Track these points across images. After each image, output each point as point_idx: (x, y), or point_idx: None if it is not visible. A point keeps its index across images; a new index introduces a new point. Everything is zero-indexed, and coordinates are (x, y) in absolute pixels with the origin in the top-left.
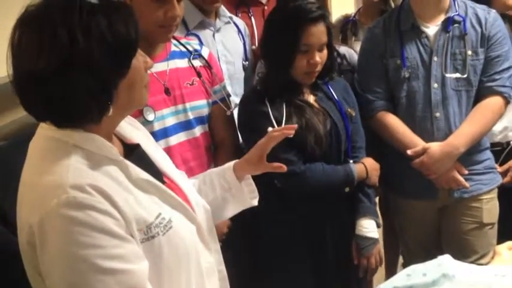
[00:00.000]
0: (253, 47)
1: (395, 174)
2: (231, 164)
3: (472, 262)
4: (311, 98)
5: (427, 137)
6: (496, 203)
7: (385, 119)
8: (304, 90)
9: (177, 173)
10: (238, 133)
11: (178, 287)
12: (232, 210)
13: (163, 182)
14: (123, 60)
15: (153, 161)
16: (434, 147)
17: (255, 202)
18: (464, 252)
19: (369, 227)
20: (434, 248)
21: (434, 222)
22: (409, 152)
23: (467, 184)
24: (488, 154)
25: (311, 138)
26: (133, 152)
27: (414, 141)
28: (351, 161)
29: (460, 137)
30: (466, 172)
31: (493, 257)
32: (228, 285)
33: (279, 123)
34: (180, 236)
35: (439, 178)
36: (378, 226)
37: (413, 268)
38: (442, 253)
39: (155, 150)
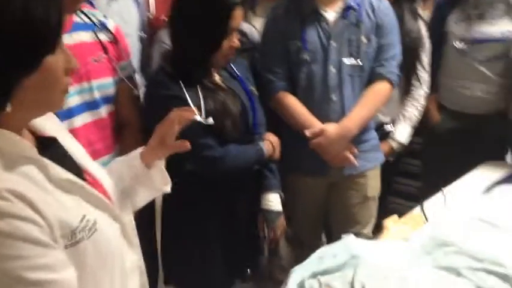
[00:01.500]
0: (149, 15)
1: (290, 152)
2: (138, 151)
3: (355, 232)
4: (217, 79)
5: (323, 118)
6: (379, 178)
7: (285, 100)
8: (211, 71)
9: (95, 166)
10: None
11: None
12: (144, 198)
13: (84, 179)
14: (30, 57)
15: (71, 155)
16: (331, 129)
17: (168, 188)
18: (349, 223)
19: (274, 201)
20: (320, 220)
21: (323, 196)
22: (307, 132)
23: (357, 162)
24: (373, 134)
25: (228, 122)
26: (49, 147)
27: (312, 122)
28: (260, 141)
29: (353, 120)
30: (357, 152)
31: (381, 231)
32: (146, 279)
33: (199, 108)
34: (105, 238)
35: (332, 158)
36: (282, 199)
37: (323, 250)
38: (327, 225)
39: (71, 142)
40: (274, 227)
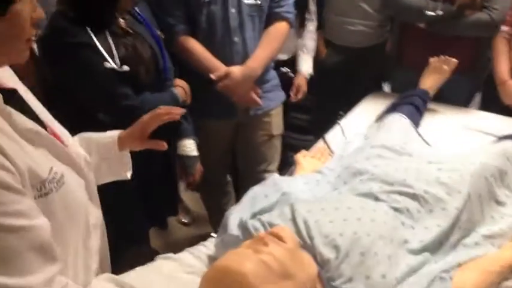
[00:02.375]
0: None
1: (196, 97)
2: (114, 133)
3: (263, 169)
4: (123, 23)
5: (227, 60)
6: (281, 116)
7: (187, 44)
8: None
9: (56, 123)
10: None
11: (66, 244)
12: (105, 179)
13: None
14: None
15: (33, 108)
16: (236, 71)
17: (128, 175)
18: (257, 161)
19: (190, 146)
20: (228, 160)
21: (230, 137)
22: (212, 76)
23: (261, 102)
24: (273, 73)
25: (141, 68)
26: (10, 98)
27: (216, 66)
28: (172, 87)
29: (257, 61)
30: (260, 92)
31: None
32: (107, 240)
33: (111, 56)
34: (72, 192)
35: (239, 99)
36: (197, 144)
37: (254, 191)
38: (234, 164)
39: (30, 97)
40: (192, 172)
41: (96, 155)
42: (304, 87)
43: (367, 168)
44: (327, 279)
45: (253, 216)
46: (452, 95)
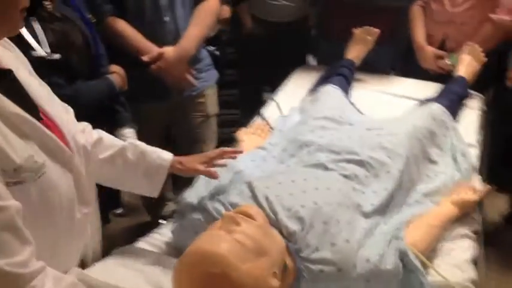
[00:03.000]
0: None
1: (130, 81)
2: (169, 158)
3: (201, 150)
4: (50, 7)
5: (158, 40)
6: (216, 96)
7: (116, 25)
8: None
9: (58, 109)
10: None
11: (41, 240)
12: (132, 189)
13: (39, 119)
14: None
15: (28, 91)
16: (169, 51)
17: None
18: (194, 142)
19: (130, 135)
20: (163, 143)
21: (166, 120)
22: (144, 58)
23: (196, 82)
24: (205, 52)
25: (73, 55)
26: (2, 79)
27: (148, 47)
28: (106, 73)
29: (190, 40)
30: (194, 72)
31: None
32: (100, 236)
33: (39, 43)
34: (53, 185)
35: (174, 81)
36: (136, 131)
37: None
38: (173, 146)
39: (31, 80)
40: None
41: (142, 170)
42: None
43: (313, 140)
44: (296, 251)
45: (211, 197)
46: (376, 64)
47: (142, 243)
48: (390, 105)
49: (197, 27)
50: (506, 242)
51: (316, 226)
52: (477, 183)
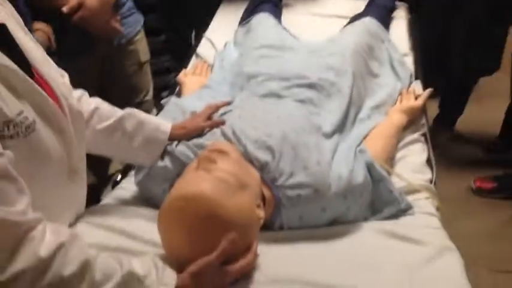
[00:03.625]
0: None
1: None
2: (168, 128)
3: (140, 100)
4: None
5: None
6: (145, 40)
7: None
8: None
9: (52, 70)
10: None
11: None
12: (125, 160)
13: (31, 76)
14: None
15: (21, 47)
16: None
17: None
18: (131, 93)
19: None
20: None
21: (97, 75)
22: (64, 9)
23: (122, 30)
24: None
25: None
26: None
27: None
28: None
29: None
30: (119, 19)
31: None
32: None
33: None
34: (42, 145)
35: (99, 30)
36: None
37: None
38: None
39: (26, 38)
40: None
41: (138, 141)
42: None
43: (259, 70)
44: (271, 180)
45: (171, 143)
46: None
47: (108, 200)
48: (322, 27)
49: None
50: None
51: (286, 153)
52: (418, 88)
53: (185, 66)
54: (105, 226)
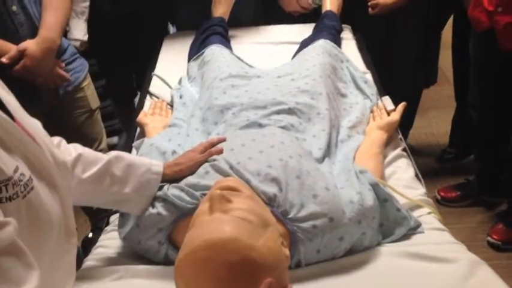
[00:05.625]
0: None
1: None
2: (160, 170)
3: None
4: None
5: (12, 37)
6: (93, 87)
7: None
8: None
9: (28, 118)
10: None
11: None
12: (116, 208)
13: None
14: None
15: (4, 102)
16: (31, 46)
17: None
18: (85, 142)
19: None
20: None
21: (47, 127)
22: (3, 60)
23: (69, 76)
24: (65, 40)
25: None
26: None
27: (4, 46)
28: None
29: (51, 28)
30: (63, 65)
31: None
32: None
33: None
34: (43, 203)
35: (44, 79)
36: None
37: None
38: None
39: (3, 91)
40: None
41: (129, 187)
42: None
43: (231, 101)
44: (282, 214)
45: (161, 188)
46: (241, 17)
47: (90, 262)
48: (273, 54)
49: (55, 12)
50: None
51: (292, 182)
52: (389, 103)
53: (139, 107)
54: None
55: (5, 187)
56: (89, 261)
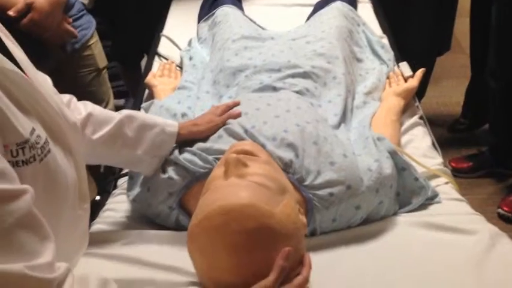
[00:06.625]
0: None
1: None
2: (175, 130)
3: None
4: None
5: None
6: (100, 44)
7: None
8: None
9: (37, 73)
10: None
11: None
12: (128, 168)
13: None
14: None
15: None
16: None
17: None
18: (92, 101)
19: None
20: None
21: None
22: (10, 12)
23: (76, 32)
24: None
25: None
26: None
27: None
28: None
29: None
30: (71, 21)
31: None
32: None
33: None
34: (59, 167)
35: (52, 34)
36: None
37: None
38: None
39: (8, 41)
40: None
41: (142, 147)
42: None
43: (244, 63)
44: (298, 181)
45: (172, 153)
46: None
47: (99, 225)
48: (287, 17)
49: None
50: None
51: (308, 149)
52: (406, 69)
53: (148, 69)
54: (116, 257)
55: (21, 150)
56: (98, 224)
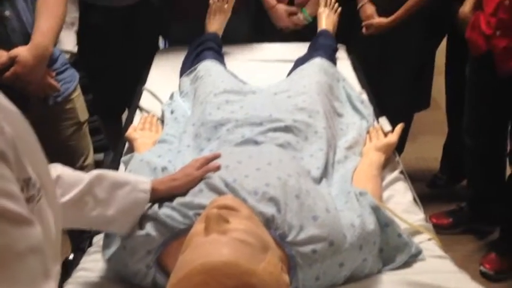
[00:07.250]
0: None
1: None
2: (147, 187)
3: (80, 165)
4: None
5: (3, 43)
6: (83, 99)
7: None
8: None
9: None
10: None
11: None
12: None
13: None
14: None
15: None
16: (23, 52)
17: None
18: (71, 158)
19: None
20: None
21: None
22: None
23: (59, 86)
24: (57, 50)
25: None
26: None
27: None
28: None
29: (44, 35)
30: (54, 74)
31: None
32: None
33: None
34: (47, 215)
35: (35, 87)
36: None
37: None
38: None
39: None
40: None
41: (114, 208)
42: None
43: (226, 117)
44: (280, 237)
45: (151, 207)
46: (235, 34)
47: (71, 286)
48: (268, 72)
49: (48, 19)
50: None
51: (291, 203)
52: (386, 124)
53: (129, 122)
54: None
55: (26, 186)
56: (70, 285)
